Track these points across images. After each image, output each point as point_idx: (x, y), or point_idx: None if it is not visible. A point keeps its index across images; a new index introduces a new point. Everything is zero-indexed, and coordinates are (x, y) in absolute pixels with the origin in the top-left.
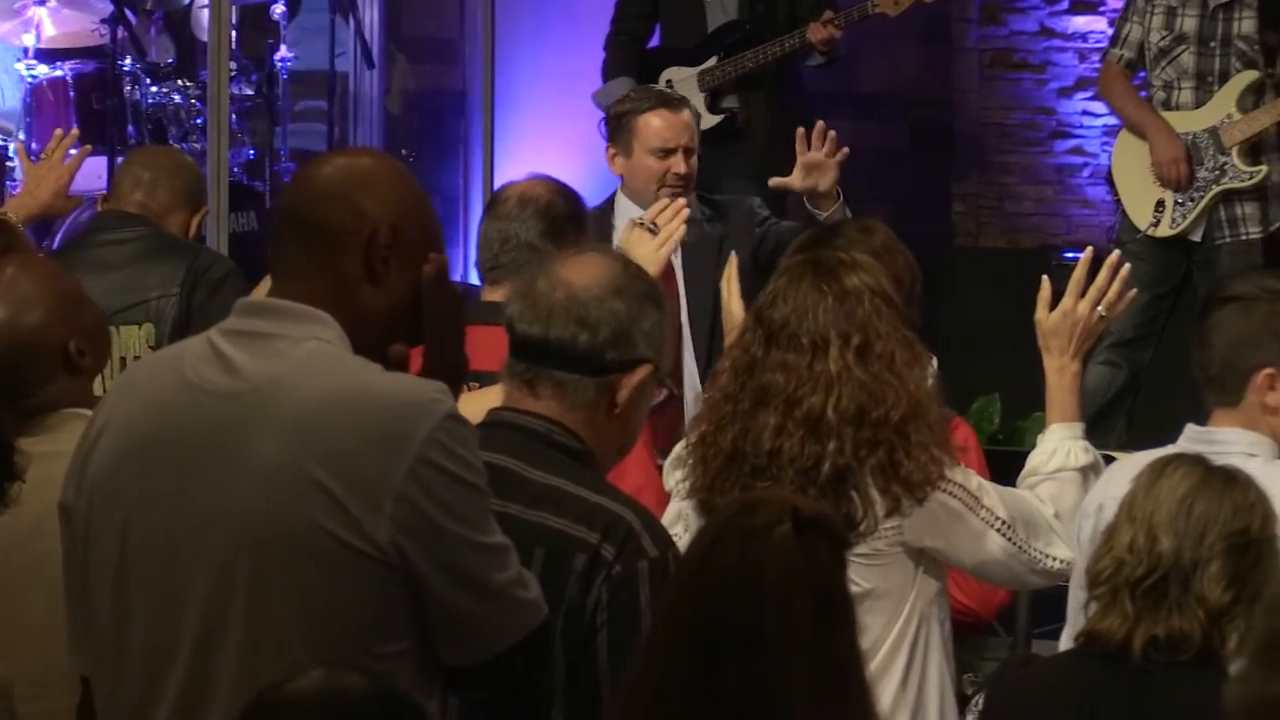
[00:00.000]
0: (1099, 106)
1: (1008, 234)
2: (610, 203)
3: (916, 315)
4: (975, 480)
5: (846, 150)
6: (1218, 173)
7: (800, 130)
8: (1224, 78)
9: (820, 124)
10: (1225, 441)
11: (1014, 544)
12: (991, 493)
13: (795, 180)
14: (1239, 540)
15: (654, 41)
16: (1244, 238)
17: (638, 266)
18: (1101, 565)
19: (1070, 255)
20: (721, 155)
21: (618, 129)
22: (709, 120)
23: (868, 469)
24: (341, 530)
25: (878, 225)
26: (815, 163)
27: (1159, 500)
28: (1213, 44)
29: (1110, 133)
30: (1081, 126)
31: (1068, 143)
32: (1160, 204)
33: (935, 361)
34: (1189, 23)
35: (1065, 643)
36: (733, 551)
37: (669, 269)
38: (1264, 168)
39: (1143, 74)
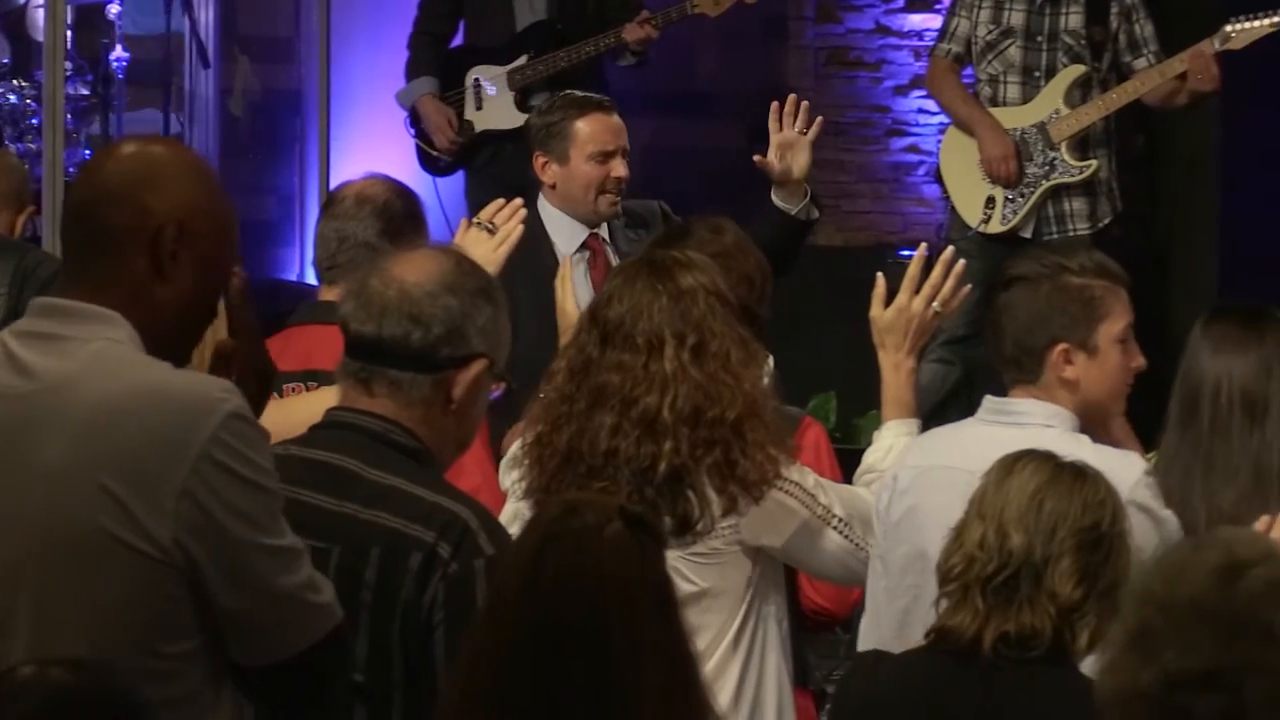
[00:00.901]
0: (935, 104)
1: (844, 232)
2: (535, 218)
3: (768, 313)
4: (812, 478)
5: (821, 120)
6: (1047, 168)
7: (774, 103)
8: (1050, 72)
9: (792, 96)
10: (1022, 413)
11: (851, 541)
12: (829, 490)
13: (773, 160)
14: (1089, 536)
15: (459, 40)
16: (1073, 233)
17: (470, 262)
18: (952, 562)
19: (905, 253)
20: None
21: (547, 137)
22: (518, 119)
23: (704, 468)
24: (125, 532)
25: (728, 225)
26: (789, 141)
27: (1009, 497)
28: (1040, 38)
29: (946, 130)
30: (917, 124)
31: (903, 140)
32: (990, 200)
33: (771, 360)
34: (1016, 17)
35: (864, 629)
36: (568, 554)
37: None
38: (1093, 163)
39: (971, 69)
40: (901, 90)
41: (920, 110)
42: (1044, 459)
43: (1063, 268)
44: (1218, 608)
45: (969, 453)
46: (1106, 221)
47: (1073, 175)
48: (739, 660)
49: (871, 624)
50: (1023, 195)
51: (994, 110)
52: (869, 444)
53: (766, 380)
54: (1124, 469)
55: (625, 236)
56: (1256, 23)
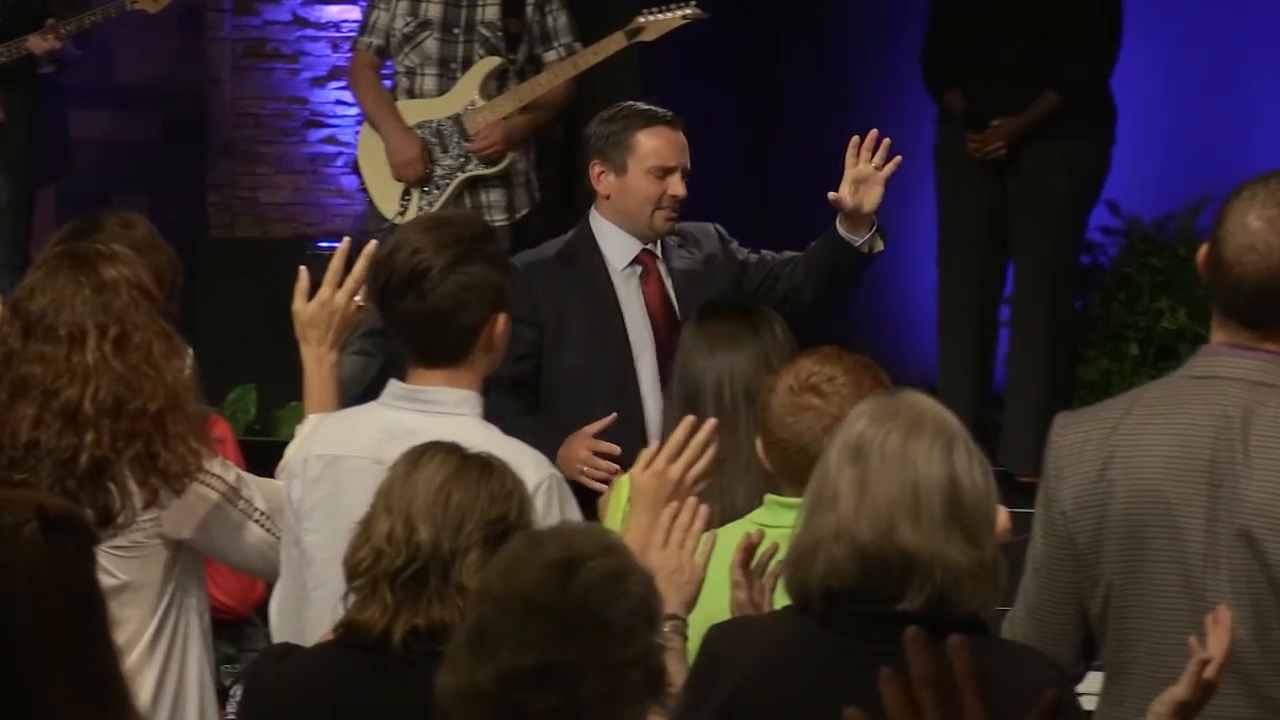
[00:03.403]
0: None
1: (262, 224)
2: (587, 230)
3: (176, 309)
4: (234, 472)
5: (899, 159)
6: (462, 160)
7: (854, 139)
8: (467, 64)
9: (874, 132)
10: (435, 400)
11: (273, 534)
12: (251, 484)
13: (845, 196)
14: (497, 529)
15: None
16: (491, 225)
17: None
18: (360, 556)
19: (326, 245)
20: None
21: (606, 145)
22: None
23: (125, 461)
24: None
25: (138, 219)
26: (864, 176)
27: (416, 490)
28: (456, 30)
29: (364, 122)
30: (335, 116)
31: (322, 132)
32: (407, 192)
33: (192, 353)
34: (434, 10)
35: (276, 621)
36: None
37: (665, 297)
38: (508, 155)
39: (391, 61)
40: (319, 81)
41: (338, 102)
42: (450, 451)
43: (473, 240)
44: (552, 603)
45: (378, 442)
46: (525, 212)
47: (487, 167)
48: (160, 654)
49: (283, 614)
50: (439, 187)
51: (411, 102)
52: (290, 436)
53: (188, 374)
54: (531, 458)
55: (678, 255)
56: (668, 14)
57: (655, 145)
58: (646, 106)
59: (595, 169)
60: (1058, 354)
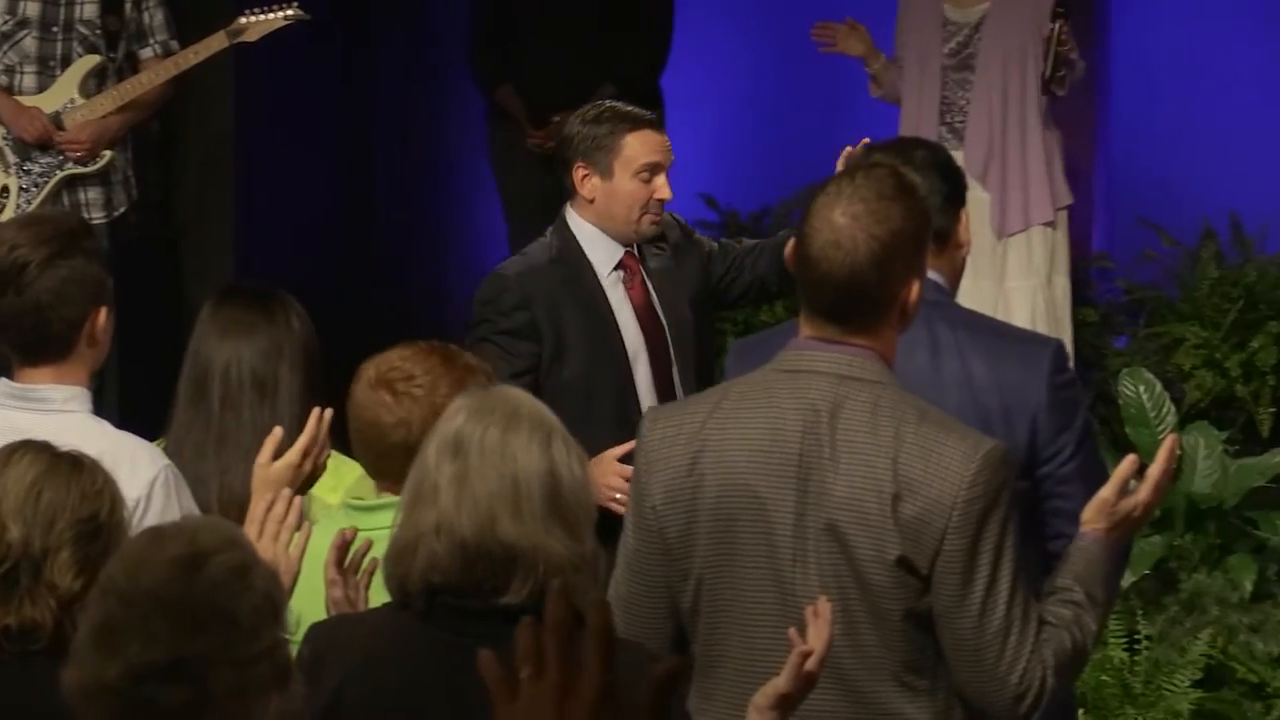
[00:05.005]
0: None
1: None
2: (569, 234)
3: None
4: None
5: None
6: (60, 158)
7: (846, 148)
8: (66, 62)
9: (866, 140)
10: (45, 399)
11: None
12: None
13: None
14: (88, 527)
15: None
16: (89, 222)
17: None
18: None
19: None
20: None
21: (593, 149)
22: None
23: None
24: None
25: None
26: None
27: (7, 488)
28: (55, 29)
29: None
30: None
31: None
32: (5, 190)
33: None
34: (32, 8)
35: None
36: None
37: (649, 299)
38: (107, 153)
39: None
40: None
41: None
42: (41, 449)
43: (70, 234)
44: (179, 598)
45: None
46: (123, 210)
47: (86, 165)
48: None
49: None
50: (37, 186)
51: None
52: None
53: None
54: (145, 451)
55: (651, 254)
56: (270, 15)
57: (643, 148)
58: (630, 108)
59: (579, 172)
60: None
